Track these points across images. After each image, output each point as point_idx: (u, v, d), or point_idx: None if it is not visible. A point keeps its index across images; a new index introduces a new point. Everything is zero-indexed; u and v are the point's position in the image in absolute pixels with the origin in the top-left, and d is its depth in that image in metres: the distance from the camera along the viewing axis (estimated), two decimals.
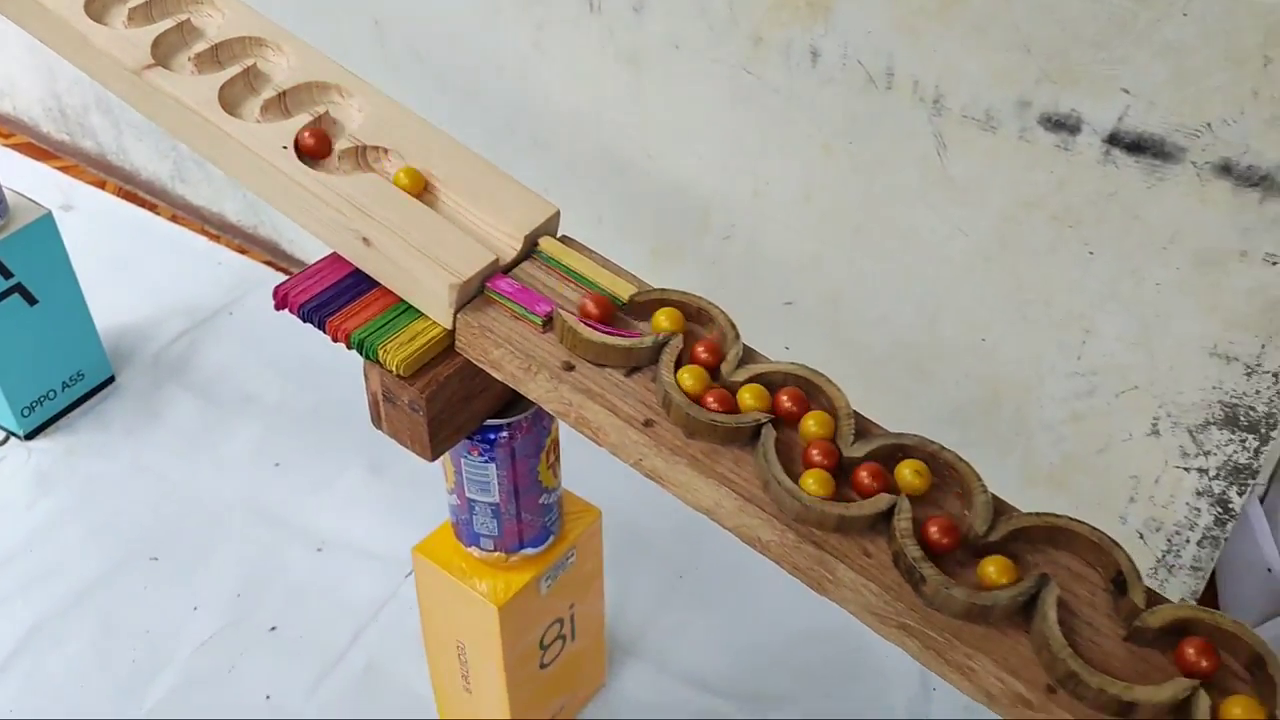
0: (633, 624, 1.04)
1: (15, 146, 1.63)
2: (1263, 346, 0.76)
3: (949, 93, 0.79)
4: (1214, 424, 0.81)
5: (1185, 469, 0.84)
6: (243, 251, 1.46)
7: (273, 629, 1.03)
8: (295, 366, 1.27)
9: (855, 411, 0.62)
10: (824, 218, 0.91)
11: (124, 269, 1.40)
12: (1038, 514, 0.58)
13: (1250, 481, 0.82)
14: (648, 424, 0.61)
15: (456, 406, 0.69)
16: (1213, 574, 1.08)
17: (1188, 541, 0.87)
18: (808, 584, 0.60)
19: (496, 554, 0.80)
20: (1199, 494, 0.85)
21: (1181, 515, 0.86)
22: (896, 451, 0.61)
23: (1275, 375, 0.76)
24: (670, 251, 1.03)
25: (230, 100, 0.73)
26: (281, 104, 0.74)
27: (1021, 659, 0.54)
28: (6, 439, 1.20)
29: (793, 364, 0.63)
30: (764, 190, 0.93)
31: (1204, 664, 0.52)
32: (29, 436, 1.20)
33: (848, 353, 0.97)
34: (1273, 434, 0.79)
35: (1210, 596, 1.07)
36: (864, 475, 0.58)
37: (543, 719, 0.92)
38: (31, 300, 1.15)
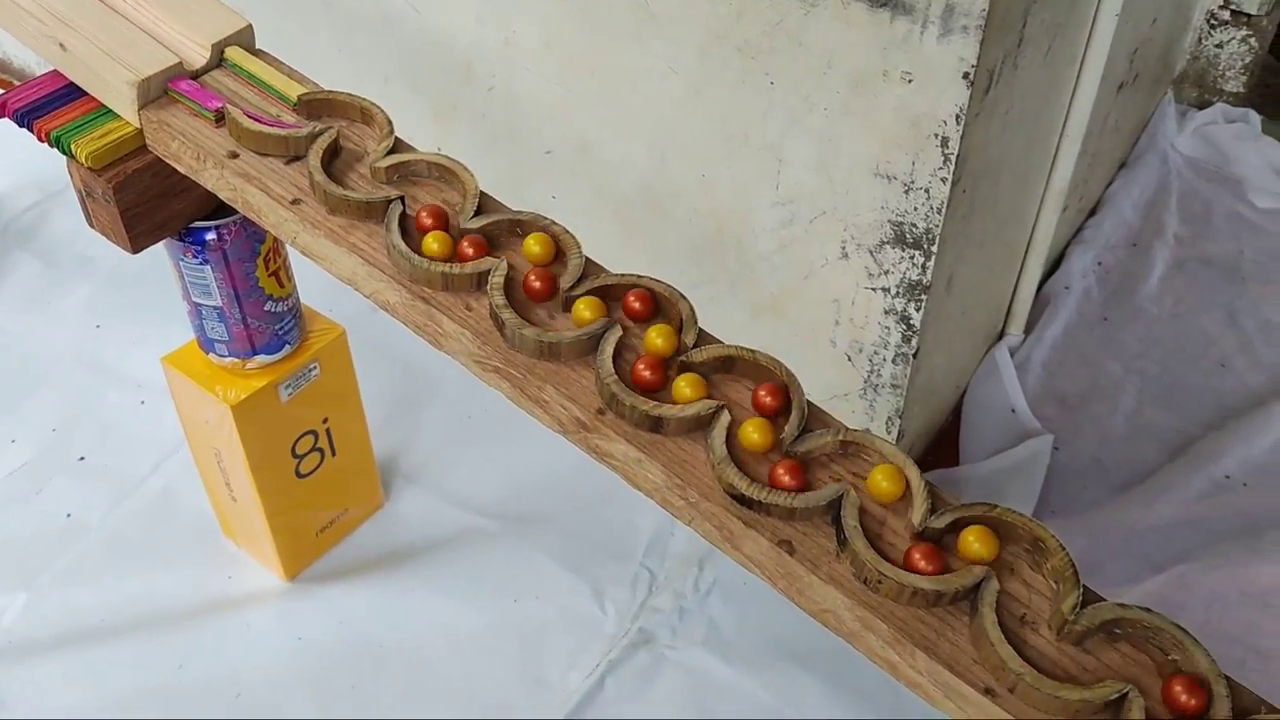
0: (418, 457, 1.11)
1: None
2: (913, 164, 0.82)
3: None
4: (888, 243, 0.88)
5: (872, 289, 0.91)
6: None
7: (81, 459, 1.10)
8: None
9: (482, 192, 0.68)
10: (564, 65, 0.97)
11: None
12: (620, 275, 0.65)
13: (923, 297, 0.88)
14: (295, 202, 0.67)
15: (154, 202, 0.75)
16: (957, 413, 1.16)
17: (885, 360, 0.94)
18: (428, 341, 0.66)
19: (232, 359, 0.86)
20: (886, 313, 0.91)
21: (876, 335, 0.93)
22: (515, 226, 0.67)
23: (926, 191, 0.83)
24: (446, 108, 1.09)
25: None
26: None
27: (583, 390, 0.61)
28: None
29: (436, 154, 0.69)
30: (513, 39, 0.98)
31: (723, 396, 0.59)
32: None
33: (602, 198, 1.04)
34: (933, 249, 0.85)
35: (953, 433, 1.14)
36: (466, 245, 0.65)
37: (312, 531, 1.00)
38: None
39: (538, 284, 0.63)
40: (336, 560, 1.01)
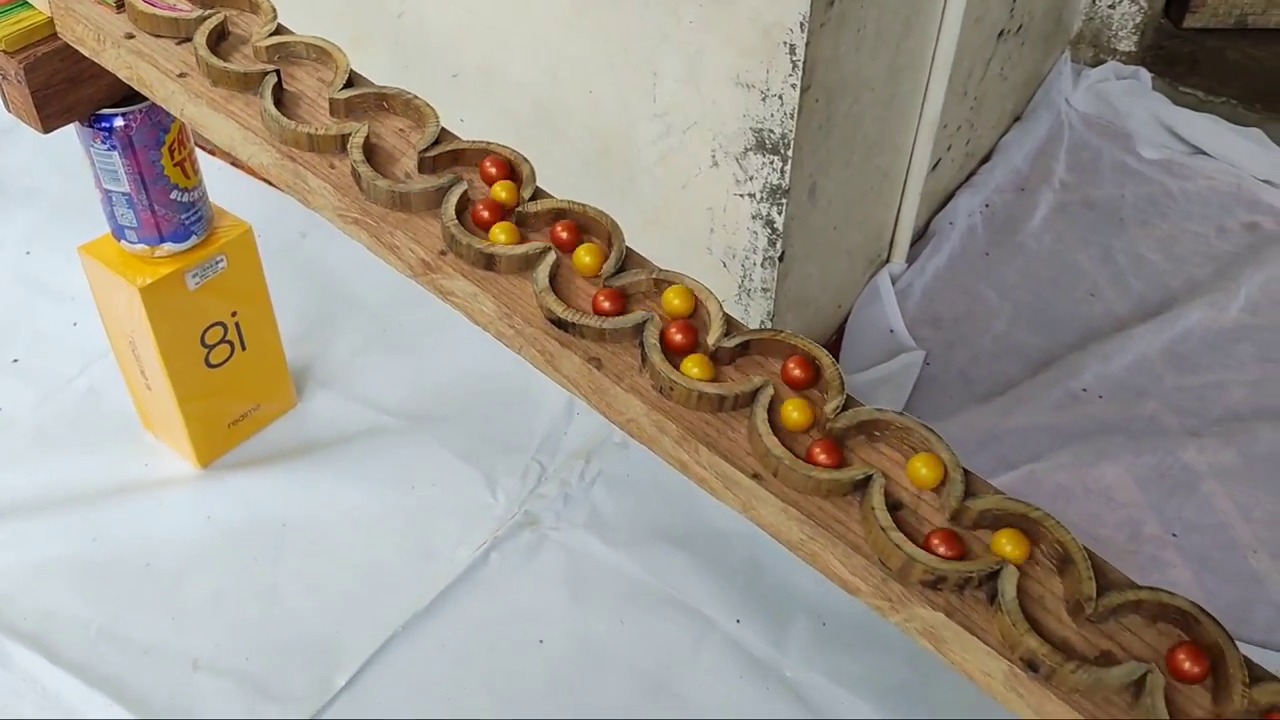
0: (332, 365, 1.17)
1: None
2: (767, 71, 0.89)
3: None
4: (750, 150, 0.95)
5: (740, 195, 0.98)
6: None
7: (15, 361, 1.16)
8: (76, 165, 1.39)
9: (353, 71, 0.75)
10: None
11: None
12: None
13: (784, 201, 0.96)
14: (181, 75, 0.74)
15: (63, 86, 0.82)
16: (841, 333, 1.23)
17: (755, 265, 1.01)
18: (298, 199, 0.73)
19: (141, 246, 0.93)
20: (753, 218, 0.98)
21: (745, 240, 1.00)
22: (381, 100, 0.74)
23: (780, 98, 0.90)
24: (364, 36, 1.16)
25: None
26: None
27: (429, 235, 0.68)
28: None
29: (312, 36, 0.76)
30: None
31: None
32: None
33: (505, 119, 1.10)
34: (789, 153, 0.93)
35: (836, 351, 1.21)
36: (333, 113, 0.72)
37: (223, 423, 1.06)
38: None
39: (396, 146, 0.70)
40: (247, 452, 1.08)
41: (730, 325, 0.64)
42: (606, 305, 0.63)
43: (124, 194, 0.89)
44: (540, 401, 1.14)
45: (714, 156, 0.97)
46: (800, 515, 0.58)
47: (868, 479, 0.57)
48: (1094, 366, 1.17)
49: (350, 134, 0.70)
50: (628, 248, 0.67)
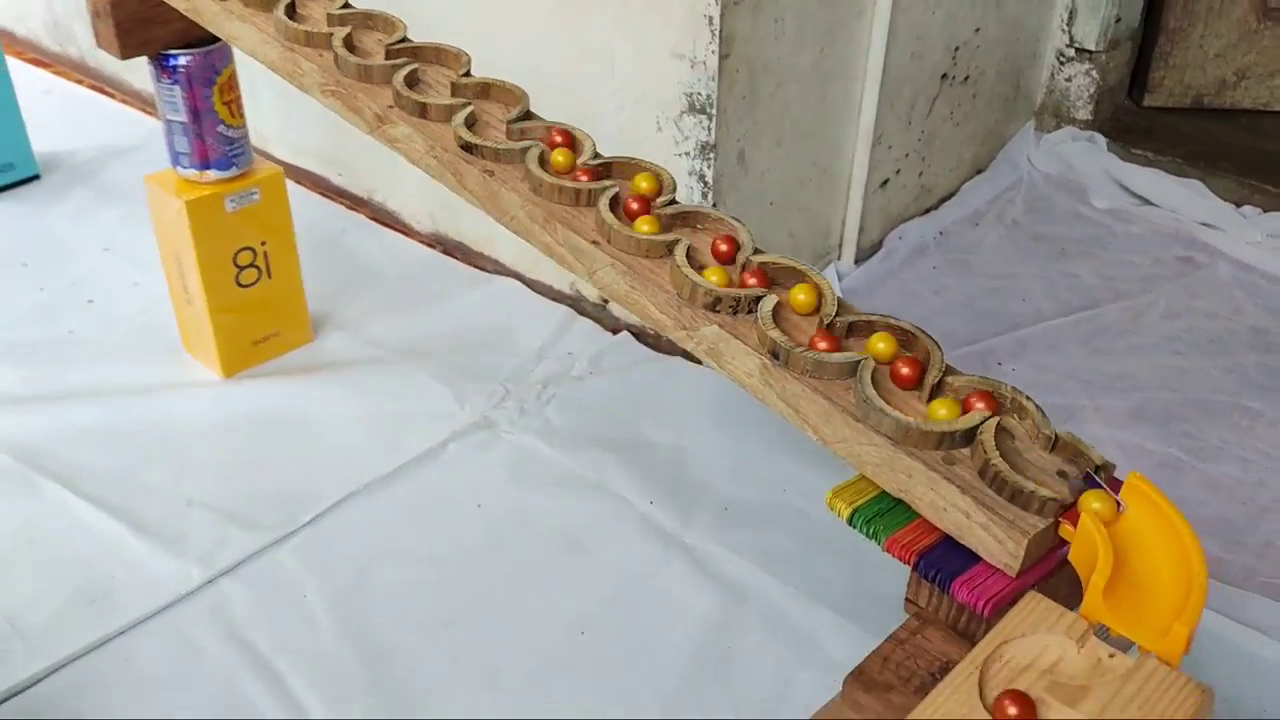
0: (347, 316, 1.36)
1: (21, 57, 2.09)
2: (694, 42, 1.09)
3: None
4: (685, 112, 1.14)
5: (679, 155, 1.16)
6: (147, 111, 1.87)
7: (90, 301, 1.38)
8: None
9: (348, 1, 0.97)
10: None
11: (71, 120, 1.83)
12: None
13: (712, 155, 1.14)
14: (222, 1, 0.97)
15: (139, 24, 1.06)
16: None
17: None
18: (294, 84, 0.94)
19: (191, 171, 1.15)
20: (689, 174, 1.16)
21: (683, 195, 1.18)
22: (367, 20, 0.95)
23: (705, 64, 1.09)
24: None
25: None
26: None
27: (384, 96, 0.87)
28: None
29: None
30: None
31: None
32: None
33: None
34: (713, 111, 1.11)
35: None
36: (328, 21, 0.93)
37: (248, 341, 1.25)
38: None
39: (370, 46, 0.91)
40: (265, 369, 1.27)
41: (596, 154, 0.81)
42: (502, 136, 0.82)
43: (181, 123, 1.12)
44: (516, 348, 1.31)
45: (658, 122, 1.16)
46: (626, 270, 0.73)
47: (677, 241, 0.73)
48: (1010, 347, 1.30)
49: (335, 33, 0.91)
50: (533, 113, 0.86)
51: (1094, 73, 1.67)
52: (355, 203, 1.63)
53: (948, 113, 1.51)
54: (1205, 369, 1.28)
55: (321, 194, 1.65)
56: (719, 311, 0.70)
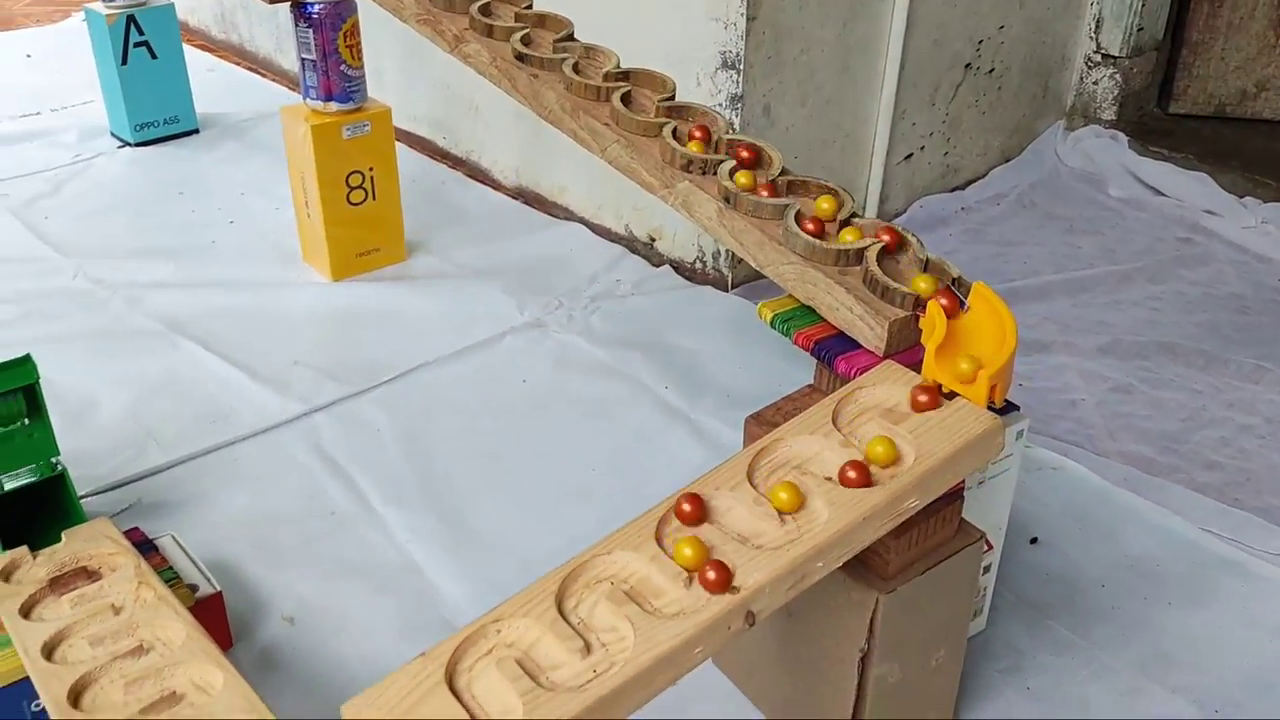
0: (436, 245, 1.60)
1: (191, 43, 2.42)
2: (726, 6, 1.29)
3: None
4: (719, 69, 1.34)
5: (713, 106, 1.37)
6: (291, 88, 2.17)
7: (231, 222, 1.65)
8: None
9: None
10: None
11: (228, 91, 2.13)
12: None
13: (740, 105, 1.34)
14: None
15: None
16: None
17: None
18: (396, 15, 1.18)
19: (318, 103, 1.40)
20: (728, 113, 1.37)
21: None
22: None
23: (735, 25, 1.30)
24: None
25: None
26: None
27: (461, 20, 1.10)
28: (124, 145, 1.90)
29: None
30: None
31: None
32: (136, 145, 1.89)
33: None
34: (741, 66, 1.31)
35: None
36: None
37: (353, 253, 1.50)
38: (154, 55, 1.86)
39: None
40: (365, 277, 1.50)
41: (618, 66, 1.02)
42: (549, 51, 1.04)
43: (311, 61, 1.37)
44: (573, 274, 1.53)
45: (697, 77, 1.37)
46: (629, 145, 0.94)
47: (666, 123, 0.94)
48: (1002, 295, 1.45)
49: None
50: (574, 36, 1.08)
51: (1118, 77, 1.82)
52: (455, 162, 1.87)
53: (972, 100, 1.68)
54: (1179, 323, 1.42)
55: (429, 155, 1.91)
56: (691, 172, 0.90)
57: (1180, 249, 1.61)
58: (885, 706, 0.77)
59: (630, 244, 1.58)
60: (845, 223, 0.84)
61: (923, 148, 1.64)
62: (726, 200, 0.86)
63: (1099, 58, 1.82)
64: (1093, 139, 1.83)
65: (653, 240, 1.55)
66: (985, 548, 0.88)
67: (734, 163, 0.89)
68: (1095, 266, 1.55)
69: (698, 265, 1.50)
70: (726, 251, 1.45)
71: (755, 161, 0.90)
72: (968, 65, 1.64)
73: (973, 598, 0.79)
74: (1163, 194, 1.74)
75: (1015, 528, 1.05)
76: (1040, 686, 0.90)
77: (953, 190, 1.74)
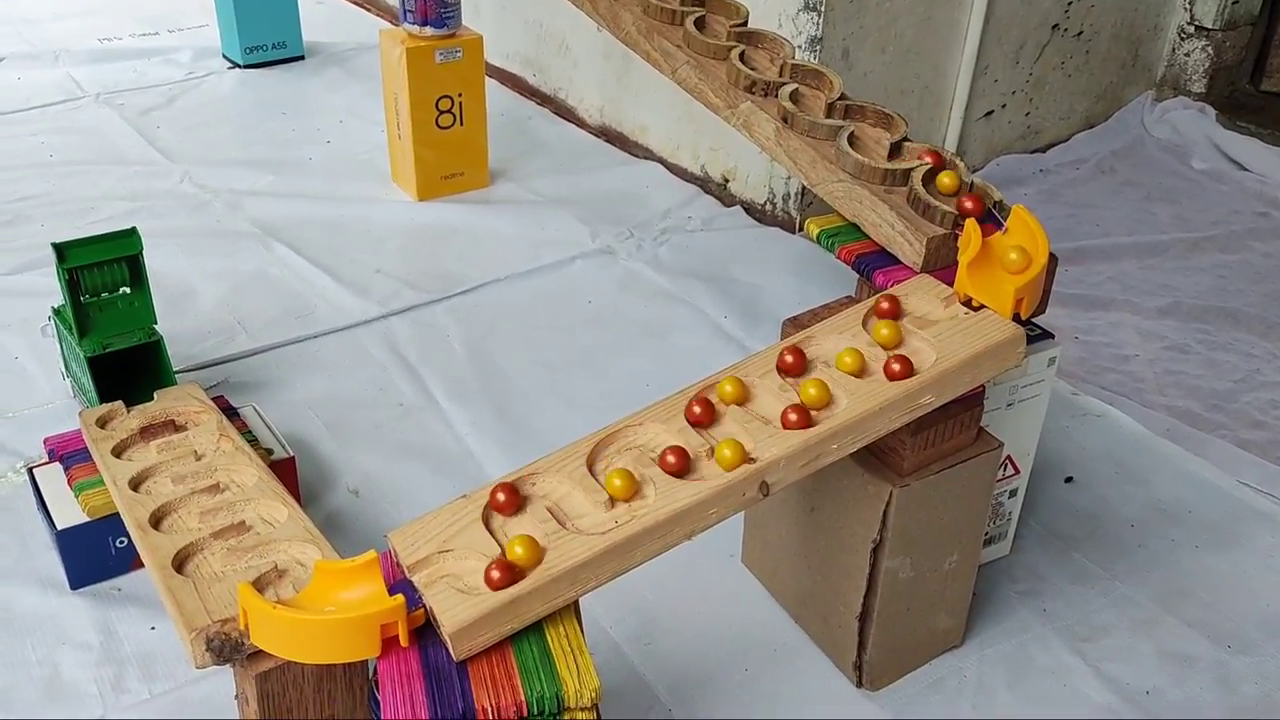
0: (519, 174, 1.65)
1: None
2: None
3: None
4: (801, 11, 1.37)
5: (797, 46, 1.39)
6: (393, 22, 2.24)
7: (328, 142, 1.73)
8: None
9: None
10: None
11: (335, 23, 2.22)
12: None
13: (819, 47, 1.36)
14: None
15: None
16: None
17: None
18: None
19: (414, 27, 1.46)
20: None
21: None
22: None
23: None
24: None
25: None
26: None
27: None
28: (233, 66, 2.00)
29: None
30: None
31: None
32: (245, 66, 1.99)
33: None
34: (822, 8, 1.34)
35: None
36: None
37: (439, 175, 1.56)
38: None
39: None
40: (449, 199, 1.57)
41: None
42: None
43: None
44: (647, 208, 1.57)
45: (779, 19, 1.40)
46: (698, 66, 0.98)
47: (734, 47, 0.97)
48: (1069, 254, 1.46)
49: None
50: None
51: (1210, 49, 1.79)
52: (543, 99, 1.93)
53: (1059, 62, 1.68)
54: (1244, 291, 1.41)
55: (518, 91, 1.96)
56: (754, 93, 0.94)
57: (1256, 222, 1.59)
58: (896, 601, 0.81)
59: (704, 184, 1.62)
60: (897, 145, 0.87)
61: (1004, 106, 1.64)
62: (784, 120, 0.90)
63: (1192, 29, 1.80)
64: (1180, 110, 1.81)
65: (726, 181, 1.59)
66: (1010, 469, 0.92)
67: (794, 85, 0.93)
68: (1168, 233, 1.54)
69: (768, 207, 1.53)
70: (796, 195, 1.48)
71: (817, 86, 0.93)
72: (1055, 26, 1.64)
73: (987, 505, 0.82)
74: (1245, 168, 1.71)
75: (1052, 468, 1.08)
76: (1056, 609, 0.93)
77: (1032, 152, 1.74)
